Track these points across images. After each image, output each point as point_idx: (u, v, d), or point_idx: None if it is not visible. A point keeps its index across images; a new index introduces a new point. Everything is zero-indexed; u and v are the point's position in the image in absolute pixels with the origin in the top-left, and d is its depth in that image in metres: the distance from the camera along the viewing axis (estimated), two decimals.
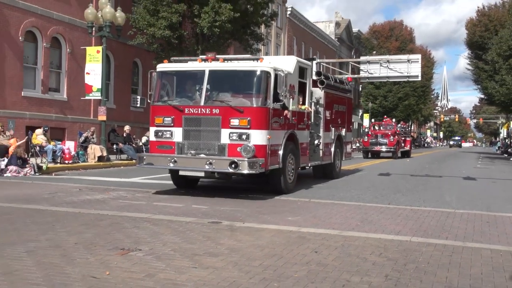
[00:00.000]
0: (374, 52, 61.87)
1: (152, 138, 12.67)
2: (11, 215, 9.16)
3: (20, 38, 22.18)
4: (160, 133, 12.32)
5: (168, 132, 12.18)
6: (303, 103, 14.46)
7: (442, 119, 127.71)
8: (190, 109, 12.03)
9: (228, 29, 25.06)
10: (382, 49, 67.26)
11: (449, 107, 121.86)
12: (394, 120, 46.25)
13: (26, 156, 18.32)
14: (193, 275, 5.60)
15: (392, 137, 35.42)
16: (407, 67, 37.38)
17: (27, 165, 17.50)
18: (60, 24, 24.35)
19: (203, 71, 12.15)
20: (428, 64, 71.88)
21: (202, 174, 11.87)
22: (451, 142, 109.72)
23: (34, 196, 11.83)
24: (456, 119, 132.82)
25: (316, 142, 15.53)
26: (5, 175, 16.58)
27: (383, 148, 35.27)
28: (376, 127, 39.06)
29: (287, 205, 11.18)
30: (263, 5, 27.48)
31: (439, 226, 8.92)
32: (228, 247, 6.95)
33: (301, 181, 15.37)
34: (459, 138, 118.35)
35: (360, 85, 70.72)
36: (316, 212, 10.30)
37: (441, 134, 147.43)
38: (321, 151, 15.81)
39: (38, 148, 19.85)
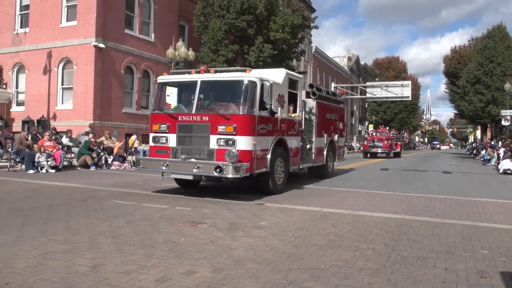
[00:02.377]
0: (377, 79, 61.27)
1: (151, 143, 10.61)
2: (115, 196, 9.39)
3: (122, 71, 22.65)
4: (157, 139, 10.37)
5: (163, 138, 10.24)
6: (294, 112, 12.07)
7: (426, 129, 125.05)
8: (183, 116, 10.09)
9: (269, 62, 24.97)
10: (383, 77, 66.48)
11: (431, 119, 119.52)
12: (388, 128, 45.32)
13: (125, 154, 18.73)
14: (244, 242, 5.62)
15: (386, 141, 34.56)
16: (401, 90, 37.11)
17: (126, 161, 17.88)
18: (149, 60, 24.75)
19: (196, 82, 10.22)
20: (416, 88, 71.18)
21: (191, 177, 9.88)
22: (432, 146, 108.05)
23: (131, 183, 12.09)
24: (437, 129, 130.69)
25: (308, 146, 13.22)
26: (111, 168, 17.01)
27: (379, 150, 34.42)
28: (374, 134, 38.22)
29: (311, 192, 11.09)
30: (294, 45, 27.34)
31: (425, 207, 8.75)
32: (269, 222, 6.94)
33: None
34: (438, 142, 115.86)
35: (366, 103, 69.77)
36: (334, 197, 10.20)
37: (426, 140, 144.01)
38: (313, 155, 13.54)
39: (133, 149, 20.28)
